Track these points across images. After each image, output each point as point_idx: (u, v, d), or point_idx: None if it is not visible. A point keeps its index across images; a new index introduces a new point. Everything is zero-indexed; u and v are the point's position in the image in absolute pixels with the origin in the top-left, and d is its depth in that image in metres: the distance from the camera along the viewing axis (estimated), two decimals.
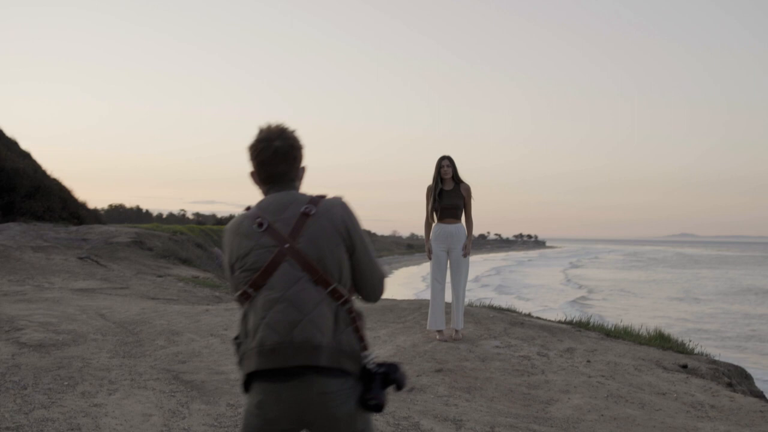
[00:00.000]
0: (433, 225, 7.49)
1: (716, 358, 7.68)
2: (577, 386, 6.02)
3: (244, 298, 2.43)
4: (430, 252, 7.54)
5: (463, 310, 7.51)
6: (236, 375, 6.12)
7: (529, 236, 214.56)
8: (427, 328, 7.46)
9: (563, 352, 7.16)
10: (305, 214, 2.42)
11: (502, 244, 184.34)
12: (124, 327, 8.22)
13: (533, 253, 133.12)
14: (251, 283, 2.39)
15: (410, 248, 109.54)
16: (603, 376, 6.35)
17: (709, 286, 47.94)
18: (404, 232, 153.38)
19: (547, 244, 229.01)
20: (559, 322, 8.96)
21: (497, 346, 7.22)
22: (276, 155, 2.49)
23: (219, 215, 63.24)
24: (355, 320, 2.44)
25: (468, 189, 7.42)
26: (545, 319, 9.22)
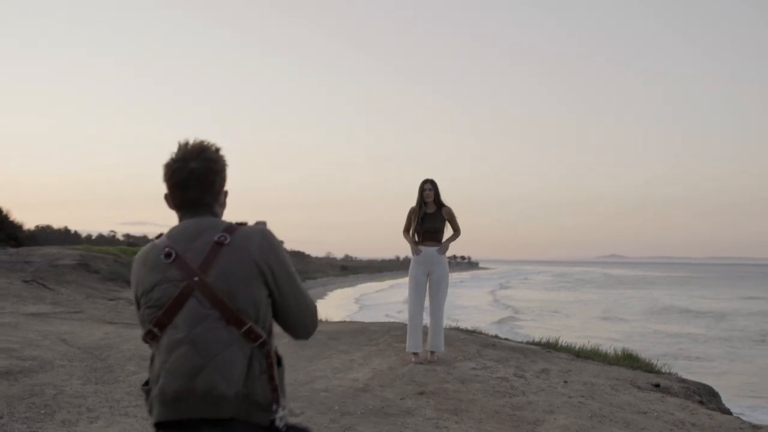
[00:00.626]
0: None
1: (685, 377, 7.90)
2: (559, 406, 6.11)
3: (150, 338, 2.11)
4: (415, 251, 7.58)
5: (443, 333, 7.57)
6: None
7: (463, 257, 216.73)
8: (406, 350, 7.48)
9: (539, 372, 7.27)
10: (219, 244, 2.10)
11: None
12: (90, 352, 8.00)
13: (466, 275, 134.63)
14: (155, 322, 2.07)
15: (344, 270, 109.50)
16: (582, 396, 6.47)
17: (636, 306, 49.34)
18: (338, 254, 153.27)
19: (481, 265, 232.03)
20: (529, 343, 9.09)
21: (474, 368, 7.28)
22: (191, 178, 2.16)
23: (150, 237, 61.99)
24: (271, 366, 2.10)
25: (450, 212, 7.56)
26: (515, 341, 9.34)
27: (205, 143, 2.22)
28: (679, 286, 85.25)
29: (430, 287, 7.52)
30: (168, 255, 2.11)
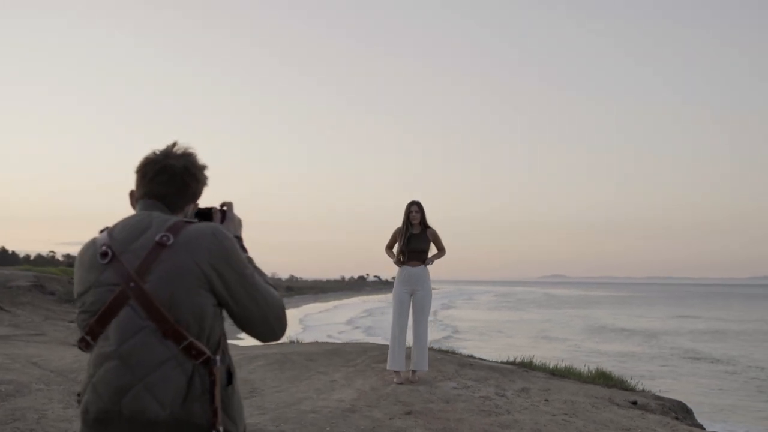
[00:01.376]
0: (399, 268, 7.72)
1: (659, 394, 8.13)
2: (545, 425, 6.24)
3: (84, 346, 1.86)
4: (397, 260, 7.73)
5: (427, 353, 7.67)
6: None
7: None
8: (387, 367, 7.55)
9: (519, 391, 7.40)
10: (160, 245, 1.82)
11: (381, 285, 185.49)
12: (65, 376, 7.86)
13: None
14: (88, 330, 1.82)
15: (290, 291, 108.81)
16: (566, 414, 6.61)
17: (576, 325, 50.29)
18: (283, 274, 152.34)
19: None
20: (505, 362, 9.24)
21: (455, 387, 7.38)
22: (165, 171, 1.96)
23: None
24: (214, 385, 1.80)
25: (434, 233, 7.71)
26: (491, 361, 9.47)
27: (193, 151, 2.04)
28: (619, 306, 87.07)
29: (414, 306, 7.63)
30: (104, 255, 1.84)
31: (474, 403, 6.87)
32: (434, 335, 39.20)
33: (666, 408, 7.20)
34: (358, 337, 31.73)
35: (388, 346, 9.81)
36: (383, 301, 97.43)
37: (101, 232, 1.93)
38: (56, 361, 8.61)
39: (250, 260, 2.04)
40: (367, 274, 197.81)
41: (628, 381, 8.25)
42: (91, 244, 1.91)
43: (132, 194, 2.02)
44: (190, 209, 2.04)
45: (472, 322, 51.01)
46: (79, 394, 1.88)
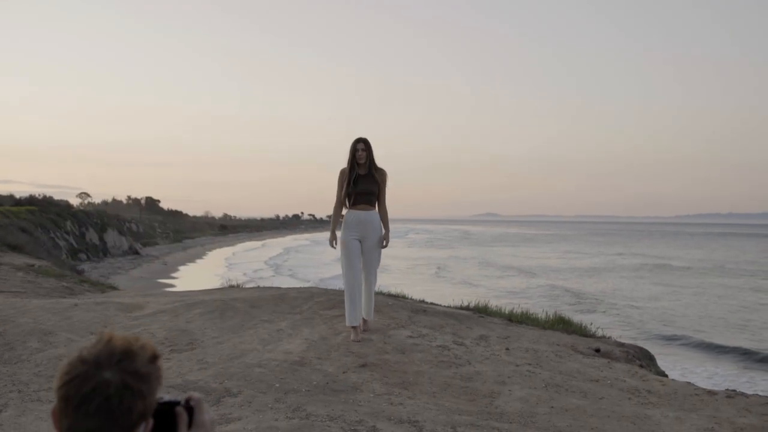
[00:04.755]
0: (345, 212, 7.02)
1: (620, 340, 7.85)
2: (510, 376, 5.85)
3: None
4: (333, 241, 7.09)
5: (374, 301, 7.13)
6: None
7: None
8: (347, 324, 6.91)
9: (478, 340, 7.00)
10: None
11: (315, 224, 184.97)
12: None
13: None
14: None
15: (223, 229, 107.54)
16: (529, 364, 6.24)
17: (471, 263, 52.53)
18: (217, 213, 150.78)
19: None
20: (459, 308, 8.82)
21: (410, 336, 6.93)
22: (96, 395, 1.28)
23: (18, 196, 58.21)
24: None
25: (384, 175, 6.99)
26: (445, 306, 9.05)
27: (136, 346, 1.37)
28: (523, 244, 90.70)
29: (363, 254, 6.95)
30: None
31: (432, 353, 6.44)
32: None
33: (630, 355, 6.90)
34: (266, 275, 33.39)
35: (332, 290, 9.32)
36: (309, 239, 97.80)
37: None
38: None
39: None
40: (302, 213, 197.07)
41: (588, 327, 7.93)
42: None
43: (54, 414, 1.32)
44: (143, 428, 1.38)
45: (400, 261, 51.87)
46: None
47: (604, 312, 25.10)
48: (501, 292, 30.58)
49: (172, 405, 1.47)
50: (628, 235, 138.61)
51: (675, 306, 27.78)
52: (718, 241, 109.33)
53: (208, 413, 1.51)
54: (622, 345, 7.28)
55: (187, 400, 1.49)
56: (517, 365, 6.18)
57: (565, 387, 5.65)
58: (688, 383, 6.09)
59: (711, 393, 5.64)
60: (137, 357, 1.36)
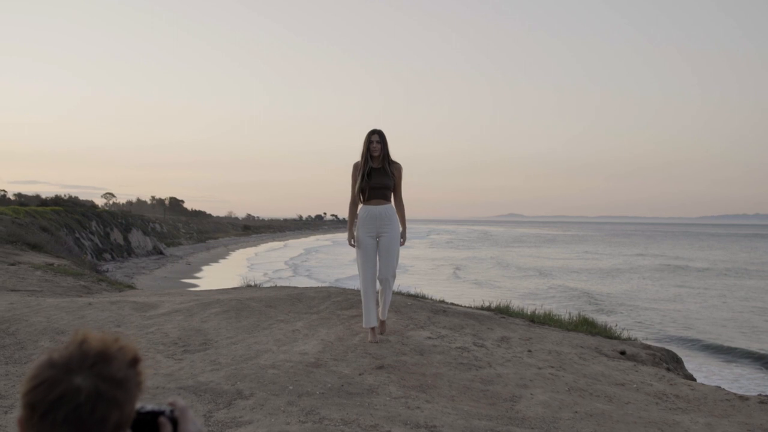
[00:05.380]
0: (360, 207, 6.76)
1: (646, 342, 7.60)
2: (532, 379, 5.64)
3: None
4: (352, 238, 6.85)
5: (390, 301, 6.88)
6: (153, 382, 5.29)
7: None
8: (363, 325, 6.70)
9: (499, 341, 6.79)
10: None
11: (337, 224, 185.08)
12: None
13: None
14: None
15: (246, 229, 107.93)
16: (552, 367, 6.03)
17: (489, 263, 52.33)
18: (240, 213, 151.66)
19: None
20: (480, 308, 8.62)
21: (429, 338, 6.74)
22: (60, 405, 1.11)
23: (43, 196, 58.87)
24: None
25: (399, 168, 6.70)
26: (465, 306, 8.84)
27: (113, 348, 1.20)
28: (542, 245, 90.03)
29: (380, 252, 6.69)
30: None
31: (451, 355, 6.24)
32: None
33: (657, 358, 6.65)
34: (286, 275, 34.39)
35: (349, 290, 9.10)
36: (331, 240, 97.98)
37: None
38: None
39: None
40: (325, 213, 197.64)
41: (614, 328, 7.68)
42: None
43: (21, 425, 1.16)
44: None
45: (423, 261, 51.94)
46: None
47: (622, 314, 24.84)
48: (516, 294, 30.53)
49: (154, 415, 1.31)
50: (650, 236, 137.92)
51: (693, 308, 27.49)
52: (742, 243, 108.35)
53: (194, 424, 1.36)
54: (648, 347, 7.03)
55: (171, 410, 1.32)
56: (540, 368, 5.96)
57: (590, 391, 5.43)
58: (718, 388, 5.85)
59: (743, 398, 5.39)
60: (114, 360, 1.19)
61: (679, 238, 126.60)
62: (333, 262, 51.38)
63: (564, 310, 9.87)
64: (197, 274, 39.27)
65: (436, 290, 15.19)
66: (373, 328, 6.60)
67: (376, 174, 6.65)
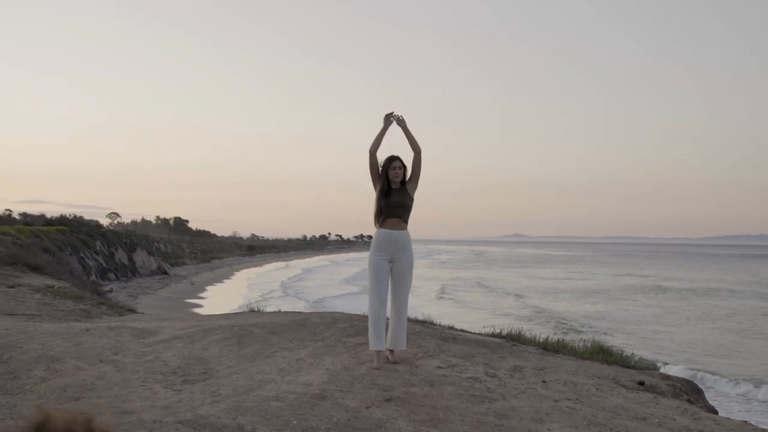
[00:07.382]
0: (376, 231, 6.55)
1: (664, 371, 7.31)
2: (548, 413, 5.36)
3: None
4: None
5: (405, 329, 6.64)
6: (150, 415, 5.03)
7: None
8: (370, 348, 6.47)
9: (512, 371, 6.51)
10: None
11: (342, 245, 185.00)
12: None
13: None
14: None
15: (251, 249, 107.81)
16: (569, 399, 5.74)
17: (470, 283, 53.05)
18: (245, 233, 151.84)
19: None
20: (491, 335, 8.34)
21: (440, 367, 6.47)
22: None
23: (48, 215, 58.90)
24: None
25: (414, 186, 6.53)
26: (475, 333, 8.56)
27: (78, 430, 1.03)
28: (535, 265, 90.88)
29: (393, 277, 6.49)
30: None
31: (462, 386, 5.96)
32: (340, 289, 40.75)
33: (677, 389, 6.36)
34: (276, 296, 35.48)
35: (355, 315, 8.84)
36: (330, 260, 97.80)
37: None
38: None
39: None
40: (329, 234, 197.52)
41: (630, 357, 7.40)
42: None
43: None
44: None
45: (425, 282, 52.32)
46: None
47: (586, 333, 25.21)
48: (493, 313, 31.00)
49: None
50: (648, 257, 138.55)
51: (655, 328, 28.11)
52: (738, 263, 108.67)
53: None
54: (668, 377, 6.73)
55: None
56: (556, 400, 5.68)
57: (610, 426, 5.15)
58: (745, 422, 5.54)
59: None
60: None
61: (675, 259, 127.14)
62: (326, 280, 51.76)
63: (538, 330, 9.75)
64: (201, 294, 39.09)
65: (422, 307, 15.33)
66: (378, 352, 6.37)
67: (395, 193, 6.48)
